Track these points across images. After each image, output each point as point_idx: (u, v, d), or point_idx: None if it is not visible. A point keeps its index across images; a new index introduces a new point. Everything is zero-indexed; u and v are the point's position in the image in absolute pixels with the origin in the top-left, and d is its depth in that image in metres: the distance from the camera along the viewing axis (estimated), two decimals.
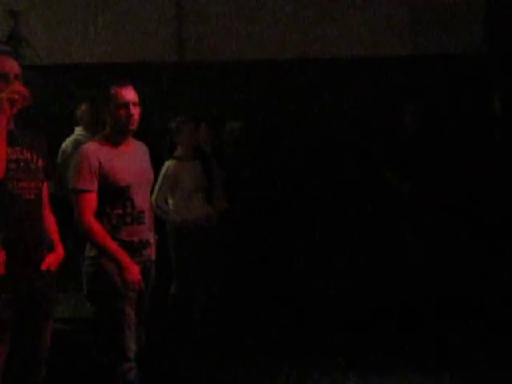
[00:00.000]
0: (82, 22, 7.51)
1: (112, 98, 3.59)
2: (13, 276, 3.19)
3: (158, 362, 4.78)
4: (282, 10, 7.57)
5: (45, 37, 7.40)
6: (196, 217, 5.44)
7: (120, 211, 3.56)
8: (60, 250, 3.50)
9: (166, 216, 5.36)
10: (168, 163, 5.43)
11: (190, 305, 5.52)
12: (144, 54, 7.51)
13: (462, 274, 6.46)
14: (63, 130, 6.68)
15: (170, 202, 5.45)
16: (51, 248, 3.46)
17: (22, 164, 3.29)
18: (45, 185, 3.47)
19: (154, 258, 3.78)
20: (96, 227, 3.48)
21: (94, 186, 3.50)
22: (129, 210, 3.58)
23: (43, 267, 3.36)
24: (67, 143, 6.41)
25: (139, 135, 3.78)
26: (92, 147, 3.58)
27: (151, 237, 3.76)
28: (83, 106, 6.54)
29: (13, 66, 3.31)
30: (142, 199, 3.64)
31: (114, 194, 3.55)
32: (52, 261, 3.41)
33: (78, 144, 5.68)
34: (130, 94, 3.61)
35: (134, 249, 3.59)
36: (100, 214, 3.53)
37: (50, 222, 3.54)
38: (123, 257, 3.49)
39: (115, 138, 3.63)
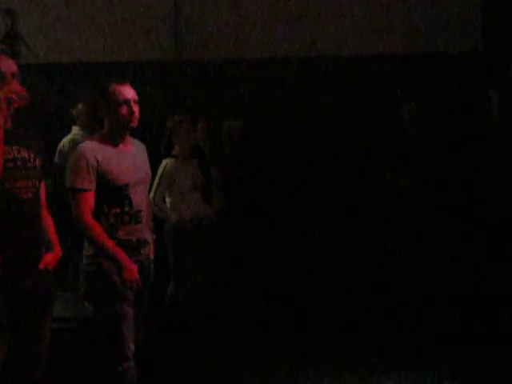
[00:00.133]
0: (79, 20, 7.50)
1: (112, 96, 3.58)
2: (11, 275, 3.19)
3: (157, 361, 4.77)
4: (280, 9, 7.56)
5: (42, 35, 7.37)
6: (193, 215, 5.45)
7: (118, 210, 3.55)
8: (58, 249, 3.50)
9: (163, 215, 5.36)
10: (166, 162, 5.43)
11: (188, 304, 5.51)
12: (141, 53, 7.50)
13: (461, 273, 6.45)
14: (60, 129, 6.67)
15: (168, 200, 5.45)
16: (49, 247, 3.46)
17: (19, 163, 3.29)
18: (42, 184, 3.46)
19: (152, 256, 3.78)
20: (94, 226, 3.46)
21: (92, 185, 3.49)
22: (126, 208, 3.57)
23: (41, 266, 3.35)
24: (64, 142, 6.40)
25: (137, 134, 3.77)
26: (89, 146, 3.57)
27: (149, 236, 3.76)
28: (80, 105, 6.53)
29: (10, 65, 3.31)
30: (139, 198, 3.63)
31: (111, 193, 3.54)
32: (50, 260, 3.42)
33: (75, 143, 5.68)
34: (130, 92, 3.62)
35: (131, 248, 3.58)
36: (98, 213, 3.51)
37: (48, 220, 3.54)
38: (121, 256, 3.48)
39: (114, 136, 3.62)
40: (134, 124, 3.62)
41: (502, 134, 7.29)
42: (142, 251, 3.66)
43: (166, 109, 6.71)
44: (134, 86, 3.67)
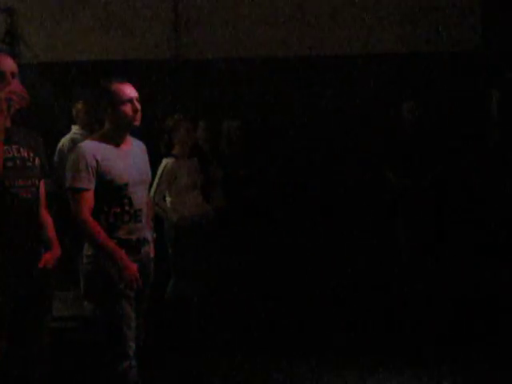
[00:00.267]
0: (79, 20, 7.49)
1: (115, 94, 3.57)
2: (10, 274, 3.19)
3: (157, 359, 4.77)
4: (279, 9, 7.56)
5: (41, 35, 7.38)
6: (193, 214, 5.45)
7: (117, 209, 3.55)
8: (57, 248, 3.50)
9: (164, 214, 5.36)
10: (166, 161, 5.43)
11: (188, 303, 5.52)
12: (140, 52, 7.50)
13: (461, 273, 6.45)
14: (60, 128, 6.67)
15: (168, 199, 5.45)
16: (48, 246, 3.46)
17: (18, 162, 3.29)
18: (41, 183, 3.46)
19: (152, 255, 3.78)
20: (93, 226, 3.46)
21: (91, 185, 3.48)
22: (126, 208, 3.57)
23: (40, 265, 3.35)
24: (64, 141, 6.38)
25: (137, 133, 3.77)
26: (89, 145, 3.57)
27: (149, 235, 3.75)
28: (79, 104, 6.51)
29: (10, 65, 3.31)
30: (139, 197, 3.63)
31: (111, 193, 3.53)
32: (49, 259, 3.42)
33: (74, 142, 5.67)
34: (133, 91, 3.63)
35: (131, 247, 3.58)
36: (97, 213, 3.51)
37: (47, 220, 3.54)
38: (121, 255, 3.47)
39: (115, 135, 3.62)
40: (138, 122, 3.63)
41: (502, 133, 7.29)
42: (142, 250, 3.66)
43: (166, 108, 6.71)
44: (133, 85, 3.67)
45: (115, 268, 3.47)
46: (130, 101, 3.59)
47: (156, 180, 5.25)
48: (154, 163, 4.55)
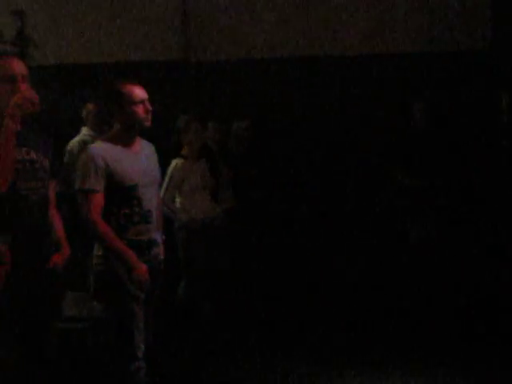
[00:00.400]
0: (89, 22, 7.52)
1: (127, 96, 3.58)
2: (19, 275, 3.20)
3: (167, 361, 4.78)
4: (286, 9, 7.55)
5: (52, 37, 7.40)
6: (203, 215, 5.46)
7: (127, 211, 3.56)
8: (66, 249, 3.52)
9: (173, 214, 5.37)
10: (175, 162, 5.44)
11: (199, 304, 5.52)
12: (151, 54, 7.52)
13: (462, 273, 6.42)
14: (70, 130, 6.69)
15: (177, 200, 5.47)
16: (57, 247, 3.47)
17: (27, 164, 3.31)
18: (51, 184, 3.48)
19: (162, 257, 3.78)
20: (102, 227, 3.47)
21: (101, 187, 3.49)
22: (136, 209, 3.58)
23: (50, 266, 3.37)
24: (73, 143, 6.40)
25: (146, 135, 3.78)
26: (98, 147, 3.58)
27: (159, 236, 3.76)
28: (89, 106, 6.53)
29: (20, 67, 3.32)
30: (149, 198, 3.64)
31: (120, 194, 3.55)
32: (58, 260, 3.43)
33: (84, 144, 5.69)
34: (144, 92, 3.64)
35: (141, 248, 3.59)
36: (107, 214, 3.52)
37: (56, 221, 3.56)
38: (131, 256, 3.48)
39: (125, 137, 3.63)
40: (149, 123, 3.64)
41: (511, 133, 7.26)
42: (152, 251, 3.67)
43: (175, 109, 6.72)
44: (143, 86, 3.68)
45: (125, 269, 3.48)
46: (142, 102, 3.61)
47: (165, 181, 5.27)
48: (164, 164, 4.56)
